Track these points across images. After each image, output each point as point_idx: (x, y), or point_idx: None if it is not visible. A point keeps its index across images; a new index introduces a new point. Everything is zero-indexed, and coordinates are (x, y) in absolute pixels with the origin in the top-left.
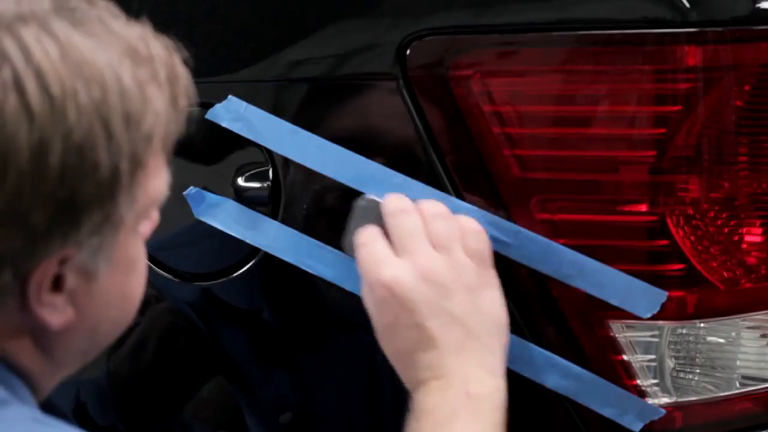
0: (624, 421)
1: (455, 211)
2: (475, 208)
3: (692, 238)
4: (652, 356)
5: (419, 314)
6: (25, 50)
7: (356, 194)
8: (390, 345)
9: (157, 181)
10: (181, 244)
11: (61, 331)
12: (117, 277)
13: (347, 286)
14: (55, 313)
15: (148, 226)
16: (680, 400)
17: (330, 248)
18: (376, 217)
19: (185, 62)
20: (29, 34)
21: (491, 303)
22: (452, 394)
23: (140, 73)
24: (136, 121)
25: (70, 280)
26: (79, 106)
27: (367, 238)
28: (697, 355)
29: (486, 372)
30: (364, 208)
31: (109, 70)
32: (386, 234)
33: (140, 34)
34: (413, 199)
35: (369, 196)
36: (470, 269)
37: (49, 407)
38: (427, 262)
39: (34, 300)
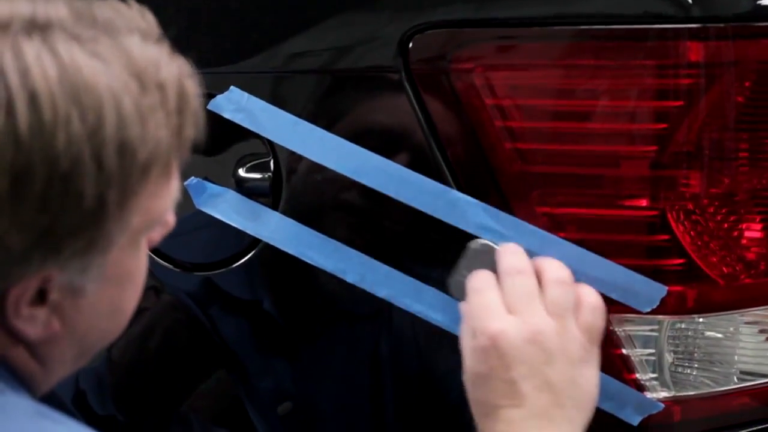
0: (622, 415)
1: (455, 204)
2: (474, 200)
3: (692, 233)
4: (651, 350)
5: (516, 372)
6: (23, 69)
7: (360, 186)
8: (476, 392)
9: (160, 201)
10: (181, 234)
11: (48, 341)
12: (108, 291)
13: (348, 278)
14: (33, 325)
15: (159, 231)
16: (679, 394)
17: (330, 239)
18: (489, 262)
19: (198, 86)
20: (31, 52)
21: (588, 380)
22: None
23: (146, 100)
24: (131, 151)
25: (55, 295)
26: (70, 134)
27: (481, 285)
28: (696, 349)
29: None
30: (477, 252)
31: (109, 96)
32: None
33: (154, 57)
34: (418, 196)
35: (483, 240)
36: (578, 342)
37: (48, 395)
38: (537, 325)
39: (11, 314)
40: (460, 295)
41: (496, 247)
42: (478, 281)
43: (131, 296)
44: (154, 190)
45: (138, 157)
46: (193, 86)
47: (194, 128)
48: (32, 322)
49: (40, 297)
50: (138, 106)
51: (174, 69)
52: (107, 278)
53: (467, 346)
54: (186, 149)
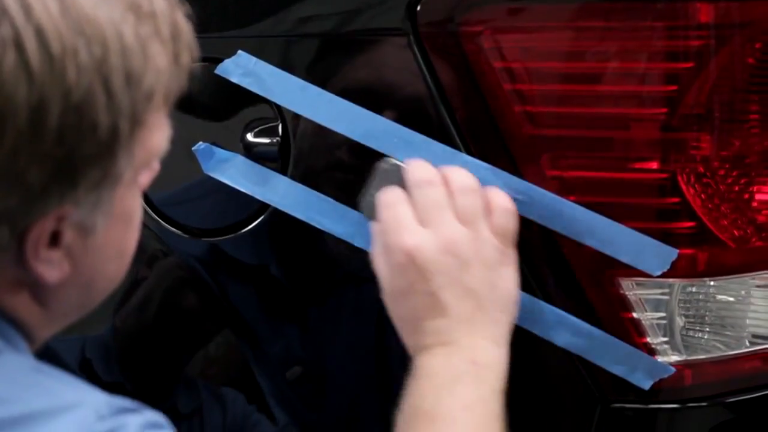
0: (634, 379)
1: (464, 166)
2: (484, 164)
3: (703, 195)
4: (662, 314)
5: (435, 283)
6: (25, 6)
7: (368, 151)
8: (398, 309)
9: (157, 136)
10: (189, 200)
11: (57, 286)
12: (114, 231)
13: (356, 242)
14: (51, 268)
15: (147, 176)
16: (690, 358)
17: (339, 204)
18: (398, 181)
19: (188, 17)
20: None
21: (506, 280)
22: (457, 359)
23: (142, 29)
24: (136, 80)
25: (68, 235)
26: (79, 65)
27: (391, 200)
28: (707, 313)
29: (492, 342)
30: (386, 171)
31: (111, 27)
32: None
33: None
34: (429, 160)
35: (392, 159)
36: (492, 246)
37: (54, 361)
38: (450, 235)
39: (31, 256)
40: (371, 214)
41: (403, 165)
42: (388, 197)
43: (132, 237)
44: (155, 122)
45: (143, 85)
46: (181, 13)
47: (190, 55)
48: (50, 265)
49: (54, 239)
50: (138, 36)
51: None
52: (113, 217)
53: (383, 264)
54: (184, 78)
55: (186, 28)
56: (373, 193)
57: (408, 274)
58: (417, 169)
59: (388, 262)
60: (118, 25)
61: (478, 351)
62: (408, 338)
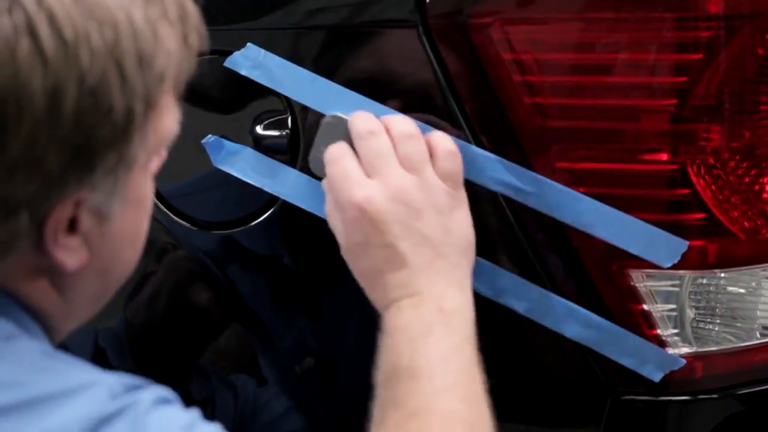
0: (644, 371)
1: (474, 159)
2: (493, 155)
3: (713, 187)
4: (673, 306)
5: (390, 234)
6: None
7: None
8: (358, 264)
9: (168, 119)
10: (199, 193)
11: (75, 273)
12: (128, 216)
13: None
14: (70, 254)
15: (156, 162)
16: (700, 350)
17: None
18: (343, 134)
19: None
20: None
21: (460, 223)
22: (425, 310)
23: (151, 12)
24: (148, 62)
25: (85, 221)
26: (93, 49)
27: (337, 155)
28: (718, 305)
29: (456, 288)
30: (331, 125)
31: (121, 10)
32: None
33: None
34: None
35: (335, 113)
36: (441, 190)
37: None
38: (398, 183)
39: (50, 242)
40: (320, 171)
41: (347, 118)
42: (334, 152)
43: (145, 222)
44: (166, 105)
45: (154, 67)
46: None
47: (198, 36)
48: (69, 251)
49: (72, 226)
50: (147, 18)
51: None
52: (128, 201)
53: (336, 221)
54: (193, 59)
55: (192, 10)
56: (321, 149)
57: (362, 227)
58: (359, 120)
59: (342, 219)
60: (127, 8)
61: (443, 299)
62: (372, 293)
